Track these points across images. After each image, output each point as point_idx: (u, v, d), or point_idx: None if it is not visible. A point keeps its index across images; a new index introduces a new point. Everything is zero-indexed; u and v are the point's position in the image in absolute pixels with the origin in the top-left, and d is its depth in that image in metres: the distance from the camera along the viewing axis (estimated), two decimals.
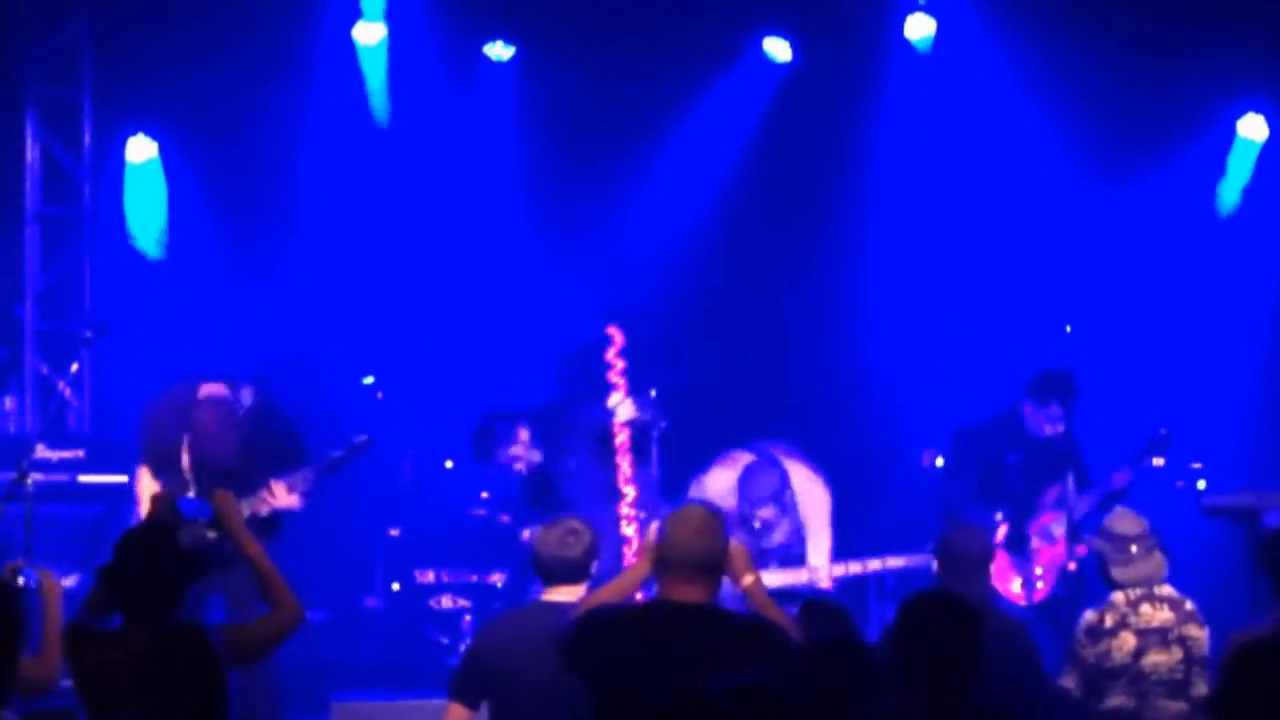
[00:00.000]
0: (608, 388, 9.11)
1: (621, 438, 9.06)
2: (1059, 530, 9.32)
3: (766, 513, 9.18)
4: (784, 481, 9.24)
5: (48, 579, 6.10)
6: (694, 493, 9.32)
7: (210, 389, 8.52)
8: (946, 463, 9.80)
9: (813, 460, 9.48)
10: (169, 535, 5.62)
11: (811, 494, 9.35)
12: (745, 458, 9.38)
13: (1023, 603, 9.24)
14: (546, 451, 9.54)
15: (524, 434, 9.63)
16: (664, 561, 5.51)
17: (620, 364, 9.04)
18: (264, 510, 8.36)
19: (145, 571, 5.46)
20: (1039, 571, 9.36)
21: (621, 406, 9.08)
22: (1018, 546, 9.40)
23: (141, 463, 8.63)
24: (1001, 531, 9.40)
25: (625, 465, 9.05)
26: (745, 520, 9.14)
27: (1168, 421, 9.59)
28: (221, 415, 8.46)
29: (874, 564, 9.22)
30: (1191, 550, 7.30)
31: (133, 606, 5.45)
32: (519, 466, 9.65)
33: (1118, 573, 6.88)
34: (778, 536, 9.22)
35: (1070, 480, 9.06)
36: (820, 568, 9.21)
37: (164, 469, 8.51)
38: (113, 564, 5.55)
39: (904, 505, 10.35)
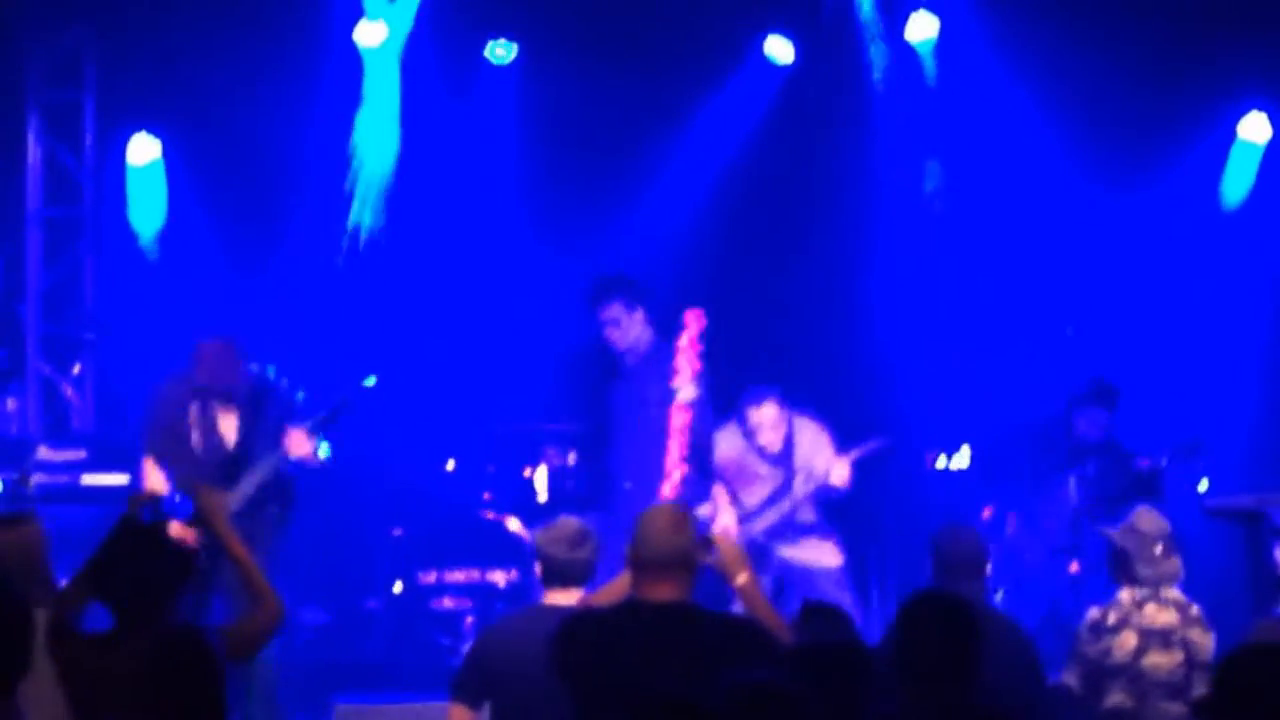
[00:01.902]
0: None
1: (680, 420, 8.95)
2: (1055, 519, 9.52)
3: (769, 410, 9.26)
4: (781, 393, 9.39)
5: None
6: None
7: (216, 339, 8.52)
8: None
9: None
10: (160, 537, 5.56)
11: (809, 428, 9.45)
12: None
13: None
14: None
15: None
16: (636, 561, 5.54)
17: (698, 348, 8.91)
18: (276, 464, 8.27)
19: (140, 577, 5.34)
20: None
21: (685, 388, 8.96)
22: (997, 528, 9.63)
23: (147, 454, 8.56)
24: (987, 512, 9.64)
25: (677, 447, 8.96)
26: (751, 438, 9.33)
27: (1182, 426, 9.70)
28: (230, 354, 8.43)
29: (870, 445, 9.37)
30: (1193, 551, 7.29)
31: (127, 612, 5.33)
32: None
33: (1143, 570, 6.87)
34: (774, 470, 9.31)
35: (1072, 483, 9.20)
36: (827, 463, 9.28)
37: (171, 451, 8.43)
38: (101, 567, 5.45)
39: (908, 506, 10.37)
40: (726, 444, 9.39)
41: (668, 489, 8.81)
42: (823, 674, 4.93)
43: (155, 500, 7.12)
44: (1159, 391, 10.69)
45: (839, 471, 9.24)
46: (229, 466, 8.24)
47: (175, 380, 8.53)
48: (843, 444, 9.38)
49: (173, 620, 5.30)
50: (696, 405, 8.83)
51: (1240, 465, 10.34)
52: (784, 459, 9.41)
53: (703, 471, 9.05)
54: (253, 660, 6.27)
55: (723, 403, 9.37)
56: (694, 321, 8.84)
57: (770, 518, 9.40)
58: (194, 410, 8.39)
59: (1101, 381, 9.96)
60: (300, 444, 8.27)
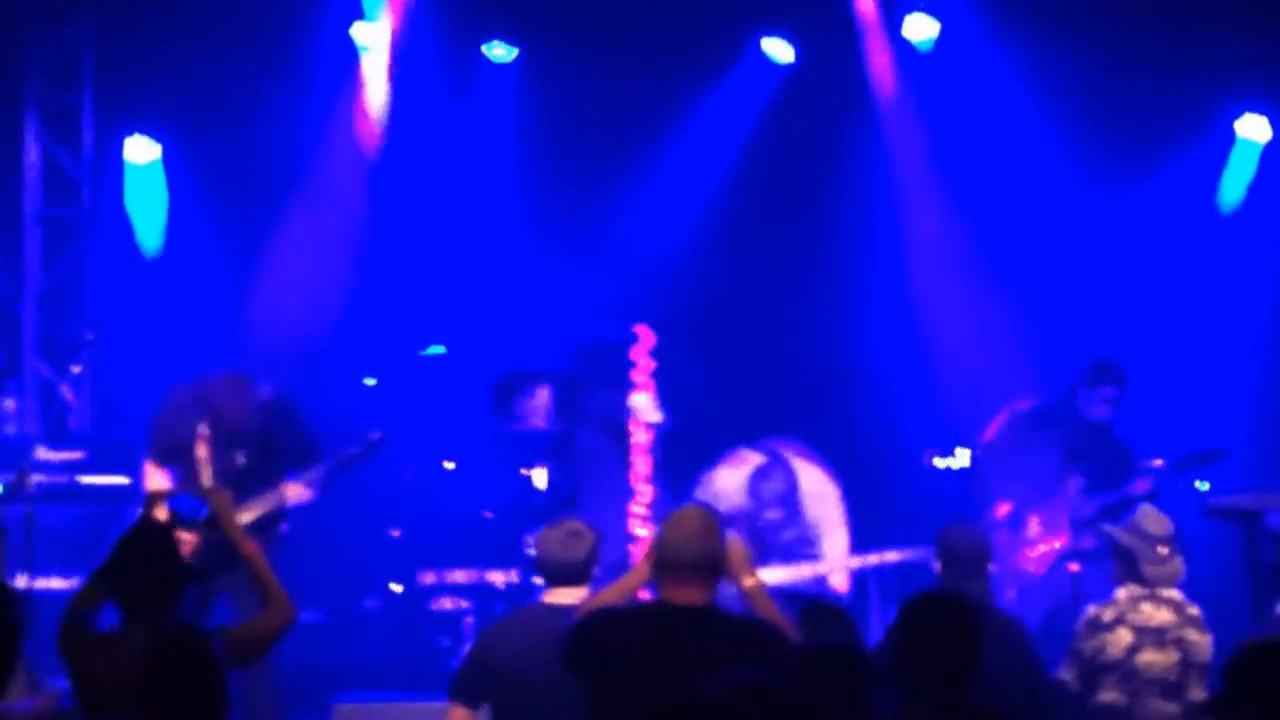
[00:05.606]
0: (626, 384, 9.13)
1: (641, 437, 9.05)
2: (1064, 521, 9.45)
3: (774, 514, 9.18)
4: (793, 484, 9.25)
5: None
6: (700, 491, 9.36)
7: (232, 376, 8.57)
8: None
9: (821, 458, 9.48)
10: (168, 535, 5.64)
11: (822, 494, 9.35)
12: (754, 458, 9.40)
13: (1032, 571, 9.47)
14: (564, 418, 9.55)
15: (544, 394, 9.63)
16: (663, 563, 5.52)
17: (649, 364, 9.01)
18: (276, 506, 8.37)
19: (146, 572, 5.46)
20: (1033, 555, 9.50)
21: (647, 407, 9.08)
22: (1015, 525, 9.55)
23: (149, 457, 8.60)
24: (1004, 509, 9.55)
25: (641, 465, 9.04)
26: (753, 520, 9.14)
27: (1180, 426, 9.68)
28: (244, 395, 8.49)
29: (888, 556, 9.21)
30: (1192, 551, 7.28)
31: (132, 607, 5.44)
32: (536, 421, 9.62)
33: (1149, 570, 6.86)
34: (786, 535, 9.22)
35: (1076, 479, 9.24)
36: (835, 561, 9.21)
37: (176, 459, 8.48)
38: (112, 564, 5.55)
39: (908, 505, 10.35)
40: (735, 489, 9.32)
41: (638, 509, 9.04)
42: (823, 674, 4.92)
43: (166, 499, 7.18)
44: (1157, 392, 10.67)
45: (838, 580, 9.21)
46: (236, 485, 8.24)
47: (185, 389, 8.57)
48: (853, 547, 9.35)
49: (173, 619, 5.35)
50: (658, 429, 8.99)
51: (1239, 465, 10.32)
52: (791, 520, 9.33)
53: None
54: (261, 660, 6.30)
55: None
56: (643, 336, 8.95)
57: (781, 575, 9.26)
58: (204, 427, 8.44)
59: (1106, 359, 9.77)
60: (294, 493, 8.45)
